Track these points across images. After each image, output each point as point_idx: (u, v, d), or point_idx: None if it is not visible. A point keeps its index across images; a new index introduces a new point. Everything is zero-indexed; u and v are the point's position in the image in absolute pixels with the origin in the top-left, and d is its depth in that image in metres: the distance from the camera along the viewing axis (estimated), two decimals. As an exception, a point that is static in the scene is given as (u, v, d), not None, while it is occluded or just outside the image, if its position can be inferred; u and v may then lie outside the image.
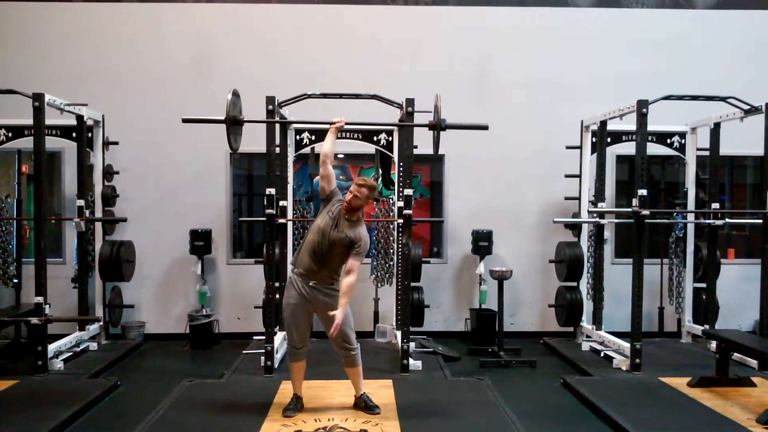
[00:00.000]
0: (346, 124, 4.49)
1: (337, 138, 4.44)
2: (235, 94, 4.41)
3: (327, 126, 4.45)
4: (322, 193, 4.30)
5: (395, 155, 6.22)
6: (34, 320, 5.02)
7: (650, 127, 5.71)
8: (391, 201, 6.72)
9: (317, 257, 4.14)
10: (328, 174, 4.24)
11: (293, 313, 4.23)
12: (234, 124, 4.36)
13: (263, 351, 5.39)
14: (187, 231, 6.90)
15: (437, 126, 4.39)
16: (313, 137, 6.31)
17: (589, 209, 6.57)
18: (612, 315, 6.66)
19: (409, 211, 5.49)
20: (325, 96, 5.93)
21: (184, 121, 4.51)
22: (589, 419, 4.59)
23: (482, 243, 6.97)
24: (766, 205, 5.76)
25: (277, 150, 5.86)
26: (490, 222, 7.12)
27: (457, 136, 6.83)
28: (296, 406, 4.38)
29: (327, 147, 4.29)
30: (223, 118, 4.28)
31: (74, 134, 6.42)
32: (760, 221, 5.91)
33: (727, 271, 6.90)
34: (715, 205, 6.44)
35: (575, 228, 6.93)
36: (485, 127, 4.59)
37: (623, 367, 5.66)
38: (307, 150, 6.49)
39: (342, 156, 7.47)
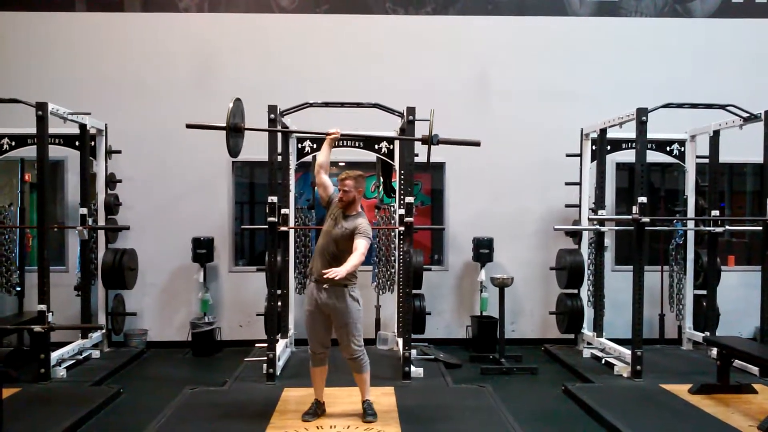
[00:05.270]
0: (347, 133, 4.59)
1: (339, 146, 4.49)
2: (237, 102, 4.45)
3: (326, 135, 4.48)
4: (323, 201, 4.44)
5: (396, 163, 6.26)
6: (37, 328, 5.04)
7: (650, 135, 5.76)
8: (392, 209, 6.76)
9: (327, 258, 4.22)
10: (323, 183, 4.39)
11: (309, 319, 4.33)
12: (235, 131, 4.41)
13: (265, 358, 5.40)
14: (189, 239, 6.93)
15: (429, 141, 4.46)
16: (315, 146, 6.33)
17: (590, 217, 6.61)
18: (613, 322, 6.67)
19: (411, 219, 5.51)
20: (326, 105, 5.96)
21: (188, 126, 4.53)
22: (590, 426, 4.60)
23: (483, 250, 6.99)
24: (765, 212, 5.77)
25: (279, 158, 5.90)
26: (491, 229, 7.14)
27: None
28: (316, 411, 4.43)
29: (321, 158, 4.41)
30: (224, 125, 4.33)
31: (77, 143, 6.48)
32: (760, 228, 5.94)
33: (727, 278, 6.90)
34: (715, 213, 6.45)
35: (576, 235, 6.94)
36: (477, 144, 4.62)
37: (624, 374, 5.67)
38: (308, 158, 6.52)
39: (343, 164, 7.49)
